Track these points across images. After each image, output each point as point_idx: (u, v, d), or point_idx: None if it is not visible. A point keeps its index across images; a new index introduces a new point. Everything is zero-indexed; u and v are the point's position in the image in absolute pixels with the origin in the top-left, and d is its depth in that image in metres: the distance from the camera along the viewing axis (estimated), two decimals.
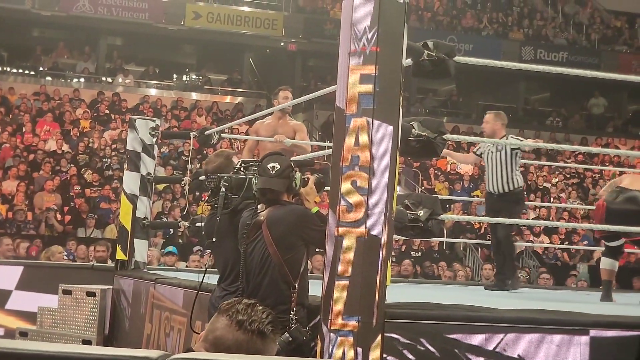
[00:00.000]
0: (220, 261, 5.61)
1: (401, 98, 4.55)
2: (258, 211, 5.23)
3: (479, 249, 18.55)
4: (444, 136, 4.98)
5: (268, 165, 5.21)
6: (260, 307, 2.77)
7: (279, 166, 5.17)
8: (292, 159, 6.31)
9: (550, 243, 18.65)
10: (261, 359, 2.68)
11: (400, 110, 4.54)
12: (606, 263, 8.10)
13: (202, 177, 8.67)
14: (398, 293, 5.70)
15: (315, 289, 5.02)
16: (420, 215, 4.87)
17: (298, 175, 5.17)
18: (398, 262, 15.01)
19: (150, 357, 2.25)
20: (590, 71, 6.80)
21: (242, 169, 5.50)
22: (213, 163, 6.01)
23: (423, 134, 4.84)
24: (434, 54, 4.84)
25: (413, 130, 4.80)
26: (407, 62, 4.73)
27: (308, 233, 5.03)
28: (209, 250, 6.17)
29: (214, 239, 5.45)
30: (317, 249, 5.71)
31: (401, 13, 4.54)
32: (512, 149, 8.94)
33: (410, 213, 4.85)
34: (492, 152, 9.08)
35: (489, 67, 6.17)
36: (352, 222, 4.40)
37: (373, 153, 4.41)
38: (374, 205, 4.39)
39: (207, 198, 5.90)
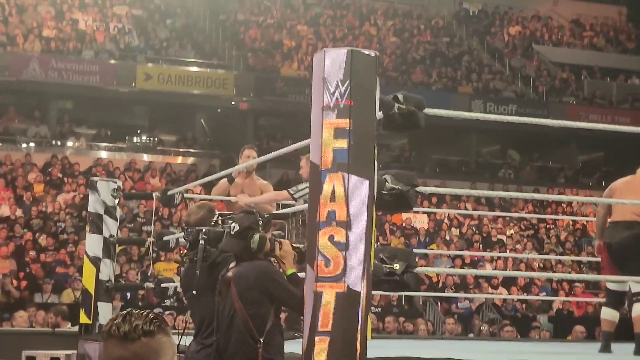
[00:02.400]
0: (197, 315, 5.56)
1: (376, 151, 4.56)
2: (229, 267, 5.22)
3: (439, 303, 18.55)
4: (416, 188, 4.98)
5: (231, 225, 5.22)
6: (136, 311, 2.71)
7: (237, 227, 5.16)
8: (269, 213, 6.27)
9: (509, 295, 18.72)
10: None
11: (375, 164, 4.54)
12: (607, 313, 7.96)
13: (167, 237, 8.65)
14: (378, 349, 5.67)
15: (295, 346, 4.98)
16: (396, 268, 4.85)
17: (256, 238, 5.11)
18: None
19: None
20: (539, 119, 6.86)
21: (219, 222, 5.49)
22: (196, 215, 5.97)
23: (396, 187, 4.83)
24: (404, 107, 4.85)
25: (386, 183, 4.80)
26: (378, 115, 4.74)
27: (269, 289, 5.01)
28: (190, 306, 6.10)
29: (194, 292, 5.41)
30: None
31: (372, 66, 4.56)
32: None
33: (386, 267, 4.84)
34: None
35: (441, 120, 6.20)
36: (331, 277, 4.37)
37: (350, 207, 4.39)
38: (352, 260, 4.37)
39: (185, 251, 5.85)
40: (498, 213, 22.63)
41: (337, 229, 4.40)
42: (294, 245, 5.45)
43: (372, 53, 4.63)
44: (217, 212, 5.83)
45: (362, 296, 4.37)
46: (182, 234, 5.97)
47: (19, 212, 20.08)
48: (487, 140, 33.65)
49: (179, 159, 28.06)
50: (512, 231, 23.68)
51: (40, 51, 26.82)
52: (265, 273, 5.11)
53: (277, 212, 7.80)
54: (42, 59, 26.38)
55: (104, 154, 26.85)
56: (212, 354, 5.16)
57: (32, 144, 26.69)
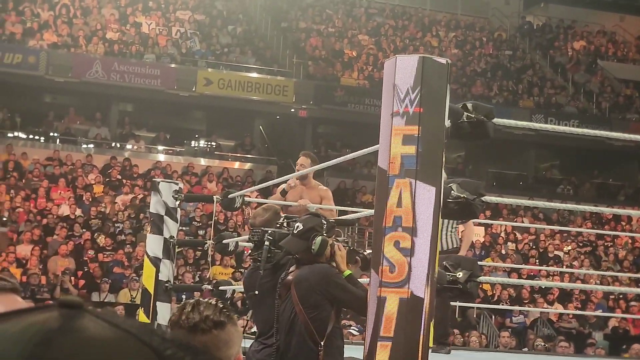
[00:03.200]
0: (260, 315, 5.60)
1: (444, 159, 4.57)
2: (289, 271, 5.26)
3: (493, 316, 18.45)
4: (482, 198, 4.99)
5: (295, 224, 5.26)
6: (205, 300, 2.71)
7: (301, 226, 5.20)
8: (335, 218, 6.31)
9: (565, 310, 18.59)
10: None
11: (443, 171, 4.55)
12: None
13: (226, 240, 8.72)
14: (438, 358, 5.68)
15: (355, 351, 5.01)
16: (459, 277, 4.86)
17: (318, 240, 5.13)
18: None
19: None
20: (601, 131, 6.80)
21: (284, 224, 5.54)
22: (261, 217, 6.04)
23: (462, 195, 4.84)
24: (473, 116, 4.85)
25: (452, 191, 4.81)
26: (447, 123, 4.75)
27: (331, 292, 5.04)
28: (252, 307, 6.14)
29: (256, 292, 5.45)
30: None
31: (444, 74, 4.57)
32: None
33: (449, 274, 4.85)
34: None
35: (497, 135, 6.18)
36: (395, 283, 4.39)
37: (416, 214, 4.41)
38: (416, 266, 4.38)
39: (249, 252, 5.91)
40: (556, 227, 22.41)
41: (403, 235, 4.42)
42: (359, 252, 5.47)
43: (443, 61, 4.65)
44: (283, 215, 5.88)
45: (426, 303, 4.38)
46: (240, 237, 6.02)
47: (78, 212, 20.34)
48: (546, 155, 33.39)
49: (236, 164, 28.17)
50: (569, 247, 23.47)
51: (103, 53, 27.12)
52: (326, 276, 5.14)
53: (342, 217, 7.82)
54: (105, 61, 26.68)
55: (162, 157, 27.10)
56: (273, 355, 5.19)
57: (92, 145, 26.99)
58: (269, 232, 5.47)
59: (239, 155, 29.16)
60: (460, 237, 9.58)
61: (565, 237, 24.01)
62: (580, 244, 24.01)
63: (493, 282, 17.01)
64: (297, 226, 5.23)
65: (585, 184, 31.12)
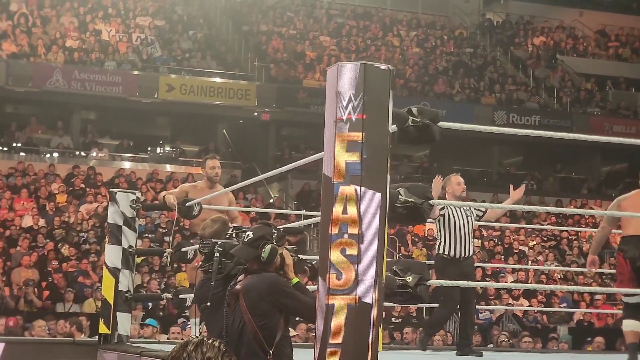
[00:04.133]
0: (213, 327, 5.58)
1: (388, 165, 4.58)
2: (237, 280, 5.26)
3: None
4: (430, 201, 5.01)
5: (245, 233, 5.27)
6: (210, 341, 2.70)
7: (251, 235, 5.21)
8: (282, 226, 6.31)
9: (530, 306, 18.68)
10: None
11: (388, 177, 4.56)
12: (629, 325, 7.85)
13: (185, 249, 8.72)
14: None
15: (305, 357, 5.01)
16: (409, 281, 4.88)
17: (268, 247, 5.14)
18: (384, 328, 15.05)
19: None
20: (562, 133, 6.84)
21: (234, 234, 5.54)
22: (210, 228, 6.05)
23: (410, 200, 4.85)
24: (418, 120, 4.87)
25: (400, 196, 4.82)
26: (392, 128, 4.76)
27: (280, 300, 5.04)
28: (204, 319, 6.13)
29: (208, 304, 5.45)
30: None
31: (386, 80, 4.58)
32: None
33: (398, 279, 4.86)
34: (460, 216, 9.22)
35: (462, 132, 6.22)
36: (343, 290, 4.40)
37: (362, 220, 4.41)
38: (363, 273, 4.39)
39: (200, 263, 5.91)
40: (520, 225, 22.54)
41: (349, 242, 4.43)
42: (307, 262, 5.50)
43: (385, 67, 4.65)
44: (232, 225, 5.89)
45: (374, 308, 4.40)
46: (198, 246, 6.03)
47: (42, 222, 20.21)
48: (509, 152, 33.58)
49: (201, 170, 28.02)
50: (534, 242, 23.62)
51: (63, 62, 27.02)
52: (275, 284, 5.14)
53: (290, 226, 7.87)
54: (65, 70, 26.58)
55: (126, 165, 27.00)
56: None
57: (55, 155, 26.85)
58: (219, 243, 5.47)
59: (203, 160, 29.00)
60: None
61: (529, 232, 24.17)
62: (545, 239, 24.18)
63: (443, 284, 17.05)
64: (248, 235, 5.24)
65: (549, 178, 31.37)
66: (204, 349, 2.66)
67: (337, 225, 4.45)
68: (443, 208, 9.29)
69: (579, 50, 36.30)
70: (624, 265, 7.97)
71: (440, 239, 9.41)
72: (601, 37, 37.24)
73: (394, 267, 4.90)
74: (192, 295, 8.92)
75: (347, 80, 4.54)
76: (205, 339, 2.80)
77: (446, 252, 9.24)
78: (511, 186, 9.98)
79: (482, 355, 9.14)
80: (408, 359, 7.20)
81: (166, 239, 19.74)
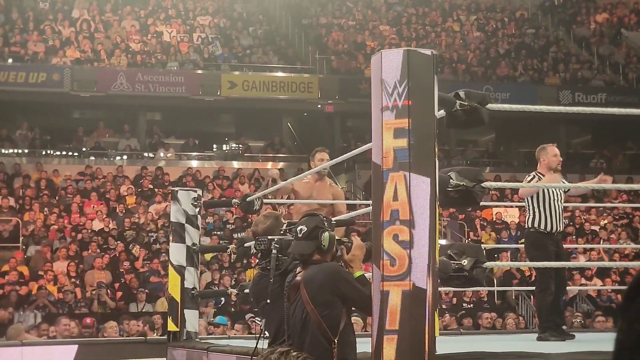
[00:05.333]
0: (273, 322, 5.62)
1: (436, 149, 4.58)
2: (296, 272, 5.29)
3: (531, 297, 18.38)
4: (482, 184, 4.99)
5: (297, 229, 5.29)
6: (295, 353, 2.73)
7: (305, 228, 5.22)
8: (334, 219, 6.32)
9: (604, 285, 18.47)
10: None
11: (437, 161, 4.56)
12: None
13: (248, 244, 8.77)
14: (450, 345, 5.68)
15: (364, 345, 5.03)
16: (464, 264, 4.87)
17: (326, 235, 5.16)
18: (454, 314, 15.10)
19: None
20: (630, 109, 6.74)
21: (288, 230, 5.58)
22: (263, 224, 6.09)
23: (461, 183, 4.85)
24: (466, 104, 4.86)
25: (451, 180, 4.82)
26: (440, 113, 4.75)
27: (341, 289, 5.06)
28: (257, 314, 6.20)
29: (268, 301, 5.48)
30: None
31: (430, 65, 4.58)
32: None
33: (454, 263, 4.86)
34: (555, 190, 8.86)
35: (528, 114, 6.17)
36: (396, 276, 4.41)
37: (412, 206, 4.43)
38: (416, 258, 4.41)
39: (257, 261, 5.95)
40: (592, 204, 22.24)
41: (401, 228, 4.45)
42: (365, 243, 5.49)
43: (429, 52, 4.66)
44: (285, 221, 5.91)
45: (429, 293, 4.41)
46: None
47: (112, 225, 20.50)
48: (577, 131, 33.16)
49: (268, 165, 28.20)
50: (605, 221, 23.31)
51: (126, 65, 27.33)
52: (336, 273, 5.16)
53: (339, 217, 7.84)
54: (129, 73, 26.88)
55: (194, 163, 27.19)
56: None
57: (123, 157, 27.17)
58: (275, 240, 5.50)
59: (269, 155, 29.20)
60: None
61: (601, 212, 23.84)
62: (617, 217, 23.84)
63: (500, 267, 16.97)
64: (301, 229, 5.24)
65: (619, 156, 30.89)
66: (285, 359, 2.69)
67: (389, 212, 4.47)
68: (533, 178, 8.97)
69: None
70: None
71: (532, 212, 8.84)
72: None
73: (448, 251, 4.90)
74: None
75: (391, 68, 4.55)
76: (291, 350, 2.83)
77: (542, 226, 8.72)
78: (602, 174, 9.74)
79: (574, 337, 8.73)
80: (478, 343, 7.09)
81: (235, 235, 19.87)
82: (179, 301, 9.09)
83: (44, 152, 26.92)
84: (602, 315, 15.10)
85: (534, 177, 8.91)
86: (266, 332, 5.74)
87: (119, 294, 17.21)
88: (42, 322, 14.33)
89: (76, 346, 10.47)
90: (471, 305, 17.44)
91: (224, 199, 20.23)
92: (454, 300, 17.45)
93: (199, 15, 31.50)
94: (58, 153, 27.12)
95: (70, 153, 27.09)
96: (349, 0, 34.75)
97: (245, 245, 8.90)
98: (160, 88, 27.11)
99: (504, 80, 30.25)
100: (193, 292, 9.10)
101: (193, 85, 27.64)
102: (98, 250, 18.62)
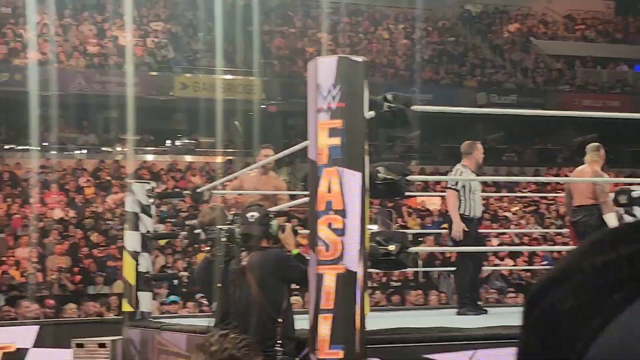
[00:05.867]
0: (221, 305, 5.61)
1: (366, 147, 4.59)
2: (241, 258, 5.28)
3: (450, 276, 18.57)
4: (407, 177, 5.02)
5: (247, 215, 5.29)
6: (233, 335, 2.69)
7: (257, 214, 5.23)
8: (271, 209, 6.34)
9: (515, 265, 18.73)
10: None
11: (366, 157, 4.57)
12: None
13: (197, 231, 8.72)
14: (380, 320, 5.71)
15: (301, 323, 5.03)
16: (392, 249, 4.90)
17: (275, 222, 5.21)
18: (384, 292, 15.19)
19: None
20: (537, 110, 6.83)
21: (233, 221, 5.58)
22: (209, 216, 6.09)
23: (389, 177, 4.87)
24: (393, 105, 4.89)
25: (379, 174, 4.84)
26: (370, 114, 4.77)
27: (285, 273, 5.08)
28: (205, 297, 6.18)
29: (219, 285, 5.48)
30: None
31: (361, 71, 4.60)
32: None
33: (382, 248, 4.89)
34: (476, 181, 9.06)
35: (449, 113, 6.19)
36: (330, 260, 4.43)
37: (344, 198, 4.45)
38: (348, 244, 4.43)
39: (206, 248, 5.95)
40: (503, 194, 22.53)
41: (334, 217, 4.47)
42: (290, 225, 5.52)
43: (359, 59, 4.67)
44: (231, 213, 5.92)
45: (359, 276, 4.43)
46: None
47: (72, 214, 20.24)
48: (491, 128, 33.55)
49: (218, 159, 28.10)
50: (516, 208, 23.63)
51: (84, 67, 26.96)
52: (279, 258, 5.17)
53: (276, 207, 7.86)
54: (87, 74, 26.53)
55: (149, 157, 26.98)
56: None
57: (83, 151, 26.83)
58: (225, 229, 5.50)
59: (218, 150, 29.07)
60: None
61: (512, 200, 24.16)
62: (526, 205, 24.17)
63: (422, 251, 17.16)
64: (252, 215, 5.27)
65: (527, 150, 31.34)
66: (223, 341, 2.64)
67: (323, 203, 4.48)
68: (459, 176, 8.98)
69: (550, 34, 36.33)
70: (571, 231, 8.15)
71: (461, 200, 8.74)
72: (569, 22, 37.30)
73: (377, 237, 4.93)
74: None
75: (326, 73, 4.56)
76: (229, 333, 2.78)
77: (466, 213, 8.66)
78: None
79: (487, 312, 8.78)
80: (405, 319, 7.14)
81: (187, 222, 19.71)
82: (133, 284, 9.00)
83: (7, 147, 26.46)
84: (513, 292, 15.31)
85: (459, 169, 9.01)
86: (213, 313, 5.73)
87: (78, 277, 16.99)
88: (4, 305, 14.11)
89: (37, 327, 10.31)
90: (399, 283, 17.55)
91: (177, 189, 20.11)
92: (384, 279, 17.56)
93: (152, 21, 31.18)
94: (20, 148, 26.68)
95: (32, 147, 26.69)
96: (290, 9, 34.71)
97: (195, 232, 8.86)
98: (116, 88, 26.82)
99: (428, 83, 30.45)
100: (147, 275, 9.02)
101: (147, 86, 27.39)
102: (59, 237, 18.35)
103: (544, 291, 0.71)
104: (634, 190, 8.95)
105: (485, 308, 9.16)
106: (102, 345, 8.63)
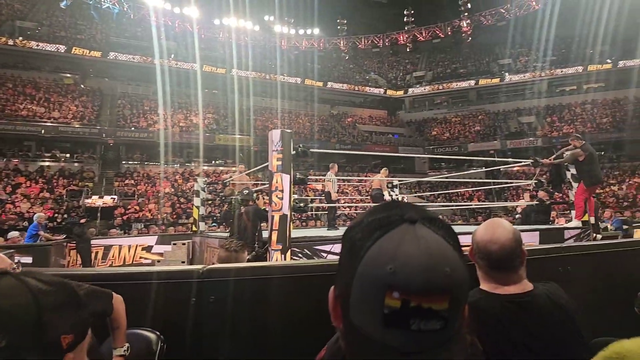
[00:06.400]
0: (232, 228, 5.43)
1: (292, 164, 4.52)
2: (241, 209, 5.14)
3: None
4: (308, 176, 4.95)
5: (244, 191, 5.15)
6: (235, 241, 2.62)
7: (247, 191, 5.10)
8: (253, 189, 6.15)
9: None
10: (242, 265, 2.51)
11: (292, 169, 4.49)
12: None
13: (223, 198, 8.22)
14: (296, 233, 5.63)
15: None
16: (302, 205, 4.84)
17: (255, 194, 5.08)
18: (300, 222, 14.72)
19: (196, 269, 1.79)
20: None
21: (245, 192, 5.40)
22: (228, 192, 5.87)
23: (301, 176, 4.80)
24: (303, 148, 4.82)
25: (297, 175, 4.76)
26: (293, 152, 4.69)
27: (258, 215, 4.96)
28: (225, 223, 5.95)
29: (231, 220, 5.30)
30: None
31: (290, 136, 4.52)
32: None
33: (297, 204, 4.81)
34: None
35: (324, 152, 5.98)
36: (277, 210, 4.34)
37: (283, 184, 4.36)
38: (284, 203, 4.34)
39: (227, 206, 5.71)
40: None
41: (279, 193, 4.37)
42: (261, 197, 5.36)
43: (289, 130, 4.58)
44: (238, 191, 5.68)
45: (288, 216, 4.34)
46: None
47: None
48: (331, 157, 32.95)
49: (234, 169, 26.40)
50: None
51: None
52: (258, 210, 5.03)
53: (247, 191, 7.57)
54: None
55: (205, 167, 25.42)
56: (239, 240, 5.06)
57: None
58: (235, 197, 5.33)
59: (234, 165, 27.61)
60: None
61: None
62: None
63: (312, 206, 16.71)
64: (245, 191, 5.11)
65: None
66: (230, 243, 2.52)
67: (274, 186, 4.38)
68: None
69: None
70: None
71: (333, 184, 7.19)
72: None
73: (296, 200, 4.84)
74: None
75: (276, 135, 4.46)
76: (233, 240, 2.67)
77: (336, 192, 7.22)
78: None
79: (337, 228, 8.62)
80: (306, 232, 6.97)
81: (220, 194, 18.79)
82: (197, 218, 8.44)
83: None
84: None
85: (330, 173, 7.70)
86: (229, 232, 5.53)
87: (175, 215, 15.95)
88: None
89: (157, 236, 9.60)
90: (305, 218, 16.94)
91: (216, 181, 19.05)
92: (302, 217, 16.93)
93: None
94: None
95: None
96: (267, 110, 33.42)
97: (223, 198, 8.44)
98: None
99: (317, 140, 29.65)
100: (202, 214, 8.50)
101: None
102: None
103: (349, 229, 0.67)
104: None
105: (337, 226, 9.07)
106: (184, 244, 8.24)
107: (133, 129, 21.85)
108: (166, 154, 26.35)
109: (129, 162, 21.15)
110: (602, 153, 20.94)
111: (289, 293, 1.75)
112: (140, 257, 9.16)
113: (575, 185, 5.56)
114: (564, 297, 1.27)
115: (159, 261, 8.45)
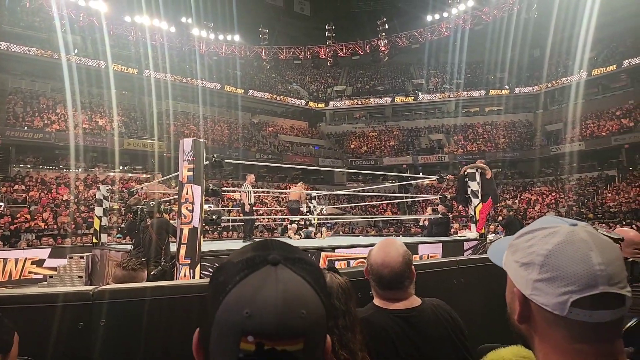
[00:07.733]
0: (136, 241, 5.12)
1: (204, 176, 4.39)
2: (147, 221, 4.89)
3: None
4: (223, 188, 4.83)
5: (150, 202, 4.92)
6: (134, 259, 2.47)
7: (154, 202, 4.88)
8: (160, 200, 5.87)
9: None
10: (144, 284, 2.37)
11: (204, 180, 4.37)
12: None
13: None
14: (207, 246, 5.47)
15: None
16: (214, 217, 4.72)
17: (162, 206, 4.87)
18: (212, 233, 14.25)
19: (85, 290, 1.66)
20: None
21: (144, 204, 5.13)
22: (133, 201, 5.55)
23: (214, 188, 4.69)
24: (215, 159, 4.72)
25: (210, 187, 4.64)
26: (205, 163, 4.57)
27: (166, 228, 4.76)
28: (130, 235, 5.61)
29: (136, 231, 5.00)
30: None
31: (202, 146, 4.41)
32: None
33: (209, 217, 4.69)
34: None
35: (239, 163, 5.90)
36: (187, 223, 4.18)
37: (194, 195, 4.23)
38: (195, 216, 4.20)
39: (132, 217, 5.39)
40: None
41: (189, 205, 4.22)
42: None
43: (202, 140, 4.46)
44: (144, 201, 5.40)
45: (199, 229, 4.21)
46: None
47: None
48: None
49: (146, 176, 24.91)
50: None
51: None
52: (164, 222, 4.81)
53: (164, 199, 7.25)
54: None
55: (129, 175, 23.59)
56: (141, 255, 4.78)
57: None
58: (140, 207, 5.05)
59: (151, 172, 25.94)
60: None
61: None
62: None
63: (226, 218, 16.41)
64: (152, 202, 4.86)
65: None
66: (128, 262, 2.38)
67: (184, 198, 4.23)
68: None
69: None
70: (287, 211, 7.45)
71: (248, 195, 7.20)
72: None
73: (208, 212, 4.71)
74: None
75: (187, 145, 4.32)
76: (133, 258, 2.53)
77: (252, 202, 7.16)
78: None
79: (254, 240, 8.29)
80: (217, 245, 6.76)
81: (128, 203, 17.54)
82: (99, 229, 7.87)
83: None
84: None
85: (245, 184, 7.66)
86: (133, 244, 5.21)
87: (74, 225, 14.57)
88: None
89: (50, 248, 8.74)
90: (220, 228, 16.45)
91: (125, 189, 17.75)
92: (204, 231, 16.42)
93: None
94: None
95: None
96: (188, 116, 32.00)
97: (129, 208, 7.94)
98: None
99: (238, 149, 29.17)
100: (104, 225, 7.94)
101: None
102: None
103: (216, 270, 0.66)
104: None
105: (254, 238, 8.93)
106: (82, 257, 7.56)
107: (26, 128, 19.75)
108: (66, 157, 24.03)
109: (20, 166, 19.08)
110: (500, 170, 22.91)
111: (188, 315, 1.68)
112: (30, 272, 8.21)
113: (475, 200, 5.85)
114: (449, 310, 1.36)
115: (51, 276, 7.67)
